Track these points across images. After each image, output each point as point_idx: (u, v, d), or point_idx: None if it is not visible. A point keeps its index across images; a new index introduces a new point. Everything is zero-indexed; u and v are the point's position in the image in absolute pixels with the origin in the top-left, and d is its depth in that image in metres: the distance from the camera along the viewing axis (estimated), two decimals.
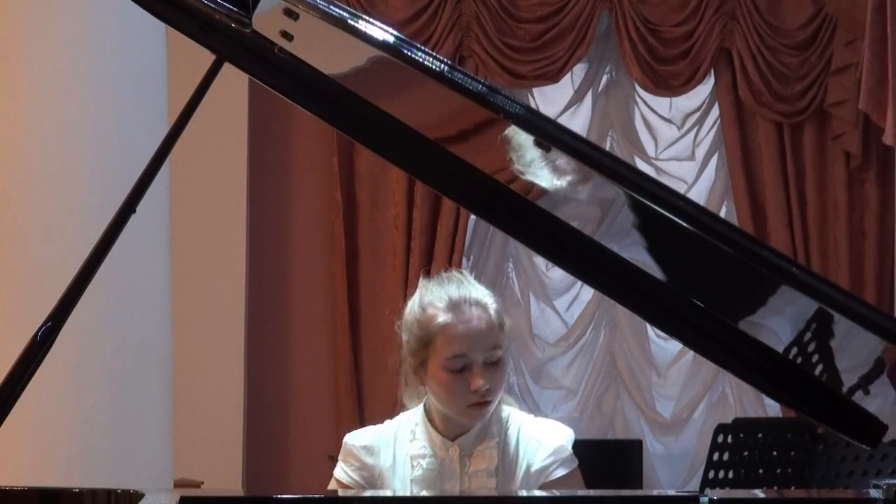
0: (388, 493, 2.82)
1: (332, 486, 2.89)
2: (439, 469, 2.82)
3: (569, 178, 2.25)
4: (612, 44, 6.42)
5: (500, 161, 2.30)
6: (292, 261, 6.52)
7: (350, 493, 2.81)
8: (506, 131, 2.18)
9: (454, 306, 2.79)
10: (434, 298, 2.82)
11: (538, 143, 2.18)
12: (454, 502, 2.67)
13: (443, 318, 2.78)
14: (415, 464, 2.83)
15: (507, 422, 2.86)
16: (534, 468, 2.82)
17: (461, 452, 2.83)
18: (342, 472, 2.88)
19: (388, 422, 2.93)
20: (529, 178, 2.25)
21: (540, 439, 2.84)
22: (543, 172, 2.24)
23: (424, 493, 2.79)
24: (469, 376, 2.76)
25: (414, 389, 2.88)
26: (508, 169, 2.35)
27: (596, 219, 2.30)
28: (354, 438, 2.90)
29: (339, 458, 2.89)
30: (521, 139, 2.18)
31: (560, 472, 2.81)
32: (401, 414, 2.93)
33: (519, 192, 2.32)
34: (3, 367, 2.24)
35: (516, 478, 2.82)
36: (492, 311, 2.80)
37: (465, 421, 2.82)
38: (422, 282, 2.88)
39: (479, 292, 2.82)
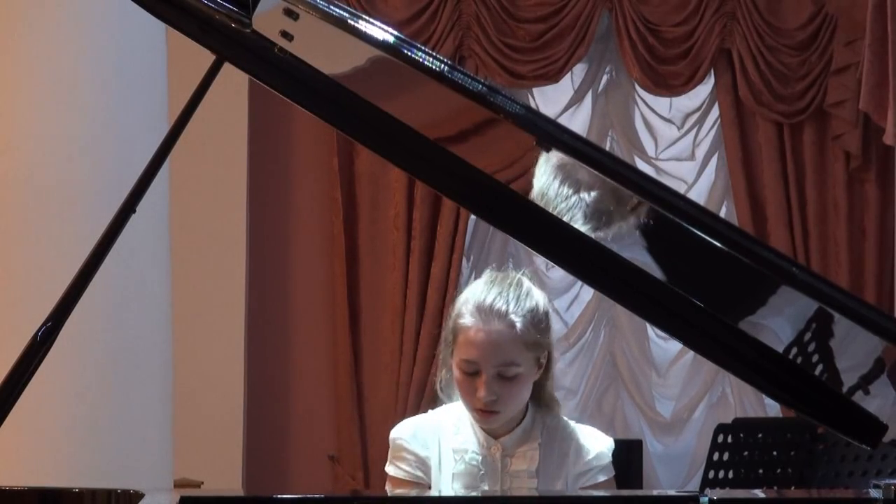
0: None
1: (388, 485, 2.86)
2: (481, 465, 2.83)
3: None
4: (612, 44, 6.42)
5: (501, 161, 2.30)
6: (292, 261, 6.52)
7: (404, 491, 2.80)
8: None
9: (481, 312, 2.77)
10: (472, 296, 2.80)
11: (538, 143, 2.18)
12: (453, 502, 2.68)
13: (467, 319, 2.78)
14: (457, 457, 2.83)
15: (552, 426, 2.87)
16: (574, 472, 2.84)
17: (503, 451, 2.84)
18: (396, 469, 2.85)
19: (430, 412, 2.93)
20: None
21: (582, 445, 2.86)
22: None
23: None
24: (478, 382, 2.77)
25: (446, 371, 2.87)
26: (508, 169, 2.35)
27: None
28: (402, 432, 2.87)
29: (390, 455, 2.86)
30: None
31: (599, 479, 2.84)
32: (441, 406, 2.91)
33: (519, 192, 2.32)
34: (3, 367, 2.25)
35: (557, 481, 2.83)
36: (518, 328, 2.76)
37: (475, 422, 2.83)
38: (484, 275, 2.88)
39: (515, 305, 2.78)
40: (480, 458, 2.83)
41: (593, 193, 2.22)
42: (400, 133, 2.26)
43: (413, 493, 2.79)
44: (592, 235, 2.24)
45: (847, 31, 6.17)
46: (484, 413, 2.79)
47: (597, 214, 2.22)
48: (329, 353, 6.44)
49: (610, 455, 2.87)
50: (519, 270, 2.88)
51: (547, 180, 2.22)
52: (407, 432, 2.87)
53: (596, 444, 2.87)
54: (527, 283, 2.84)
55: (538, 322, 2.80)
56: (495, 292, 2.80)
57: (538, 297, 2.83)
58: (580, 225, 2.23)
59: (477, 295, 2.80)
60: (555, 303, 6.48)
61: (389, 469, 2.86)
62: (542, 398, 2.88)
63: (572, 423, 2.91)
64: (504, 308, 2.77)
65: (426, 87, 2.21)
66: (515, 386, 2.78)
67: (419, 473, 2.84)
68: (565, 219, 2.23)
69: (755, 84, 6.26)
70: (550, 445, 2.86)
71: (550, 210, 2.23)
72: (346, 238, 6.40)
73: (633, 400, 6.45)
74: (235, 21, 2.24)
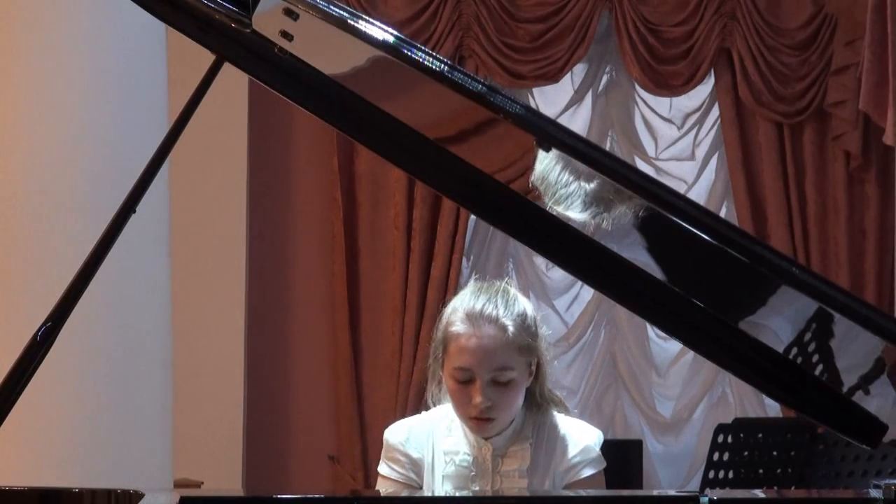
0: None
1: (380, 484, 2.87)
2: (472, 466, 2.83)
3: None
4: (612, 44, 6.42)
5: (500, 161, 2.30)
6: (292, 261, 6.52)
7: (392, 490, 2.81)
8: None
9: (471, 319, 2.78)
10: (460, 305, 2.81)
11: (538, 143, 2.18)
12: (450, 502, 2.68)
13: (457, 327, 2.79)
14: (448, 459, 2.85)
15: (542, 424, 2.88)
16: (561, 467, 2.84)
17: (494, 452, 2.84)
18: (389, 469, 2.87)
19: (424, 413, 2.94)
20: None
21: (568, 439, 2.87)
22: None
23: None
24: (472, 390, 2.77)
25: (437, 385, 2.89)
26: (508, 169, 2.35)
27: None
28: (397, 433, 2.89)
29: (383, 455, 2.88)
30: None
31: (586, 472, 2.85)
32: (435, 408, 2.92)
33: (519, 192, 2.32)
34: (3, 367, 2.25)
35: (546, 478, 2.84)
36: (510, 332, 2.77)
37: (470, 431, 2.83)
38: (469, 285, 2.88)
39: (504, 310, 2.79)
40: (471, 459, 2.84)
41: (593, 183, 2.21)
42: (400, 133, 2.26)
43: (405, 493, 2.80)
44: (591, 222, 2.24)
45: (847, 31, 6.17)
46: (479, 421, 2.79)
47: (595, 202, 2.22)
48: (329, 353, 6.44)
49: (597, 447, 2.88)
50: (502, 280, 2.89)
51: (548, 165, 2.21)
52: (401, 434, 2.88)
53: (582, 438, 2.88)
54: (512, 290, 2.85)
55: (528, 326, 2.81)
56: (483, 299, 2.81)
57: (525, 304, 2.84)
58: (578, 212, 2.24)
59: (465, 303, 2.81)
60: (555, 303, 6.49)
61: (382, 469, 2.88)
62: (533, 400, 2.89)
63: (560, 419, 2.91)
64: (494, 313, 2.78)
65: (426, 87, 2.21)
66: (510, 391, 2.79)
67: (412, 475, 2.85)
68: (562, 205, 2.23)
69: (755, 84, 6.26)
70: (540, 443, 2.86)
71: (549, 195, 2.23)
72: (346, 238, 6.41)
73: (633, 400, 6.45)
74: (235, 21, 2.25)
